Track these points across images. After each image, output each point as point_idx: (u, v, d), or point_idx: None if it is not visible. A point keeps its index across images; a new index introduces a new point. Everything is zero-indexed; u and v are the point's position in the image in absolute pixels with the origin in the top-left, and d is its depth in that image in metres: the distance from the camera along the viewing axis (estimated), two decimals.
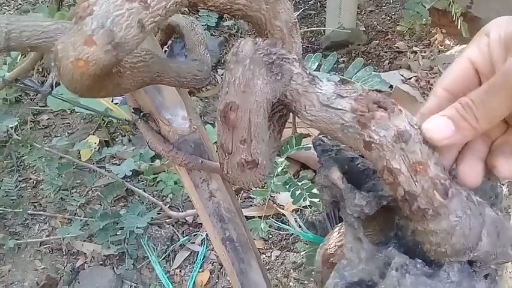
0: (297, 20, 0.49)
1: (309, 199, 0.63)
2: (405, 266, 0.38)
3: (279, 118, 0.51)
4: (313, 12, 3.09)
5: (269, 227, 1.62)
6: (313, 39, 2.88)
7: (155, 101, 0.65)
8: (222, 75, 2.07)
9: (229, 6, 0.42)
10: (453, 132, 0.33)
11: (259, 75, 0.36)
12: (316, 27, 2.96)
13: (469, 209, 0.35)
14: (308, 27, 2.94)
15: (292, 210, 1.68)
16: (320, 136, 0.50)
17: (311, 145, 0.52)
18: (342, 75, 0.62)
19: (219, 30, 2.65)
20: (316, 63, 0.62)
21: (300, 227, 1.48)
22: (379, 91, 0.36)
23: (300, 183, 0.64)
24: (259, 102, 0.36)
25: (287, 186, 0.64)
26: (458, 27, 1.63)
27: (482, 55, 0.35)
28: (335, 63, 0.63)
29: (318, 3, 3.10)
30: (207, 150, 0.72)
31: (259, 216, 1.75)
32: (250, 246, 0.87)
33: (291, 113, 0.48)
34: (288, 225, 1.52)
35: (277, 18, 0.46)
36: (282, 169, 0.64)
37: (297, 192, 0.63)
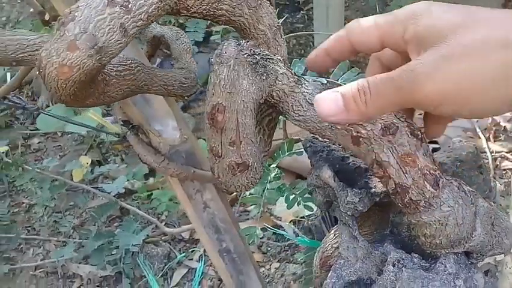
0: (280, 24, 0.50)
1: (303, 203, 0.63)
2: (401, 261, 0.38)
3: (268, 122, 0.51)
4: (301, 25, 3.11)
5: (267, 239, 1.60)
6: (303, 51, 2.90)
7: (145, 112, 0.64)
8: None
9: (212, 12, 0.42)
10: (340, 111, 0.32)
11: (244, 75, 0.36)
12: (305, 39, 2.98)
13: (460, 198, 0.35)
14: (296, 40, 2.95)
15: (290, 221, 1.67)
16: (310, 137, 0.50)
17: (303, 150, 0.52)
18: (328, 78, 0.62)
19: (208, 47, 2.66)
20: (303, 68, 0.63)
21: (297, 235, 1.47)
22: None
23: (293, 188, 0.63)
24: (246, 102, 0.36)
25: (281, 192, 0.64)
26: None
27: (395, 40, 0.33)
28: None
29: (306, 17, 3.13)
30: (199, 160, 0.71)
31: None
32: (248, 257, 0.86)
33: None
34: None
35: (260, 23, 0.46)
36: (275, 175, 0.64)
37: (291, 197, 0.63)
